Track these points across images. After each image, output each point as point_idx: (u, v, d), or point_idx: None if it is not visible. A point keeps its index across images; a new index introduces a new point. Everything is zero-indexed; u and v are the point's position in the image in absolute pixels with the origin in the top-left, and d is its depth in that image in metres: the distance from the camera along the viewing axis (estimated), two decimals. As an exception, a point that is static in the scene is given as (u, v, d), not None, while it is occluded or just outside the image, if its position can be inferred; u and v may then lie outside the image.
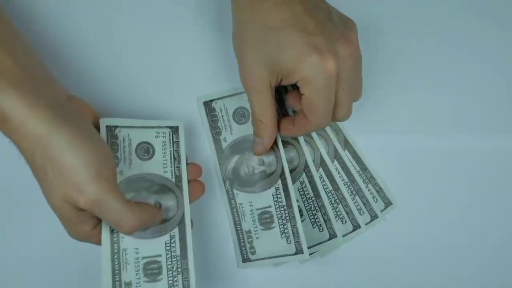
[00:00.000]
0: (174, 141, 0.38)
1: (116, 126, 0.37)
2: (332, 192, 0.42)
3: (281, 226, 0.40)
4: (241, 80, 0.36)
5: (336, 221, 0.42)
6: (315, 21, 0.33)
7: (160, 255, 0.35)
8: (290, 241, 0.39)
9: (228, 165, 0.41)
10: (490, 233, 0.44)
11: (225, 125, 0.41)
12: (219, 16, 0.43)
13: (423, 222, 0.43)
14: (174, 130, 0.38)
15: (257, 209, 0.41)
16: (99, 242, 0.34)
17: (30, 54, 0.34)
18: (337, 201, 0.42)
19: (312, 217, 0.41)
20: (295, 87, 0.36)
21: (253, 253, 0.40)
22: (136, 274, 0.35)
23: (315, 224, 0.41)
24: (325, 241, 0.41)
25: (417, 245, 0.43)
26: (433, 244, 0.43)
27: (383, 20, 0.45)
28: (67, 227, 0.33)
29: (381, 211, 0.43)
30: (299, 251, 0.39)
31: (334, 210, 0.42)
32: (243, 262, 0.40)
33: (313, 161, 0.42)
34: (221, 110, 0.41)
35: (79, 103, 0.35)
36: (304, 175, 0.42)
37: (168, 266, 0.35)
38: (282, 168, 0.40)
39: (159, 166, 0.37)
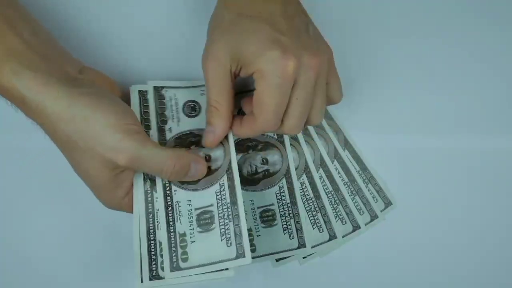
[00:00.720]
0: None
1: (163, 87, 0.39)
2: (332, 192, 0.42)
3: (283, 223, 0.40)
4: (202, 61, 0.34)
5: (336, 221, 0.42)
6: (290, 25, 0.33)
7: (211, 205, 0.36)
8: (293, 236, 0.40)
9: None
10: (490, 233, 0.44)
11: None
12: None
13: (423, 222, 0.44)
14: None
15: (259, 207, 0.41)
16: (130, 209, 0.35)
17: (38, 30, 0.34)
18: (337, 201, 0.42)
19: (312, 218, 0.41)
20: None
21: (253, 250, 0.40)
22: (190, 225, 0.35)
23: (315, 225, 0.41)
24: (325, 242, 0.41)
25: (417, 245, 0.43)
26: (433, 244, 0.43)
27: (383, 19, 0.45)
28: (103, 195, 0.34)
29: (381, 211, 0.43)
30: (301, 245, 0.40)
31: (334, 211, 0.42)
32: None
33: (313, 161, 0.42)
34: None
35: (93, 73, 0.36)
36: (304, 175, 0.42)
37: (220, 214, 0.36)
38: (288, 167, 0.40)
39: (203, 121, 0.38)
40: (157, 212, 0.36)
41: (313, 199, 0.42)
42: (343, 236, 0.42)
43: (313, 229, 0.41)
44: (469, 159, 0.44)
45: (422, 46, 0.45)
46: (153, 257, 0.35)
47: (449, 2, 0.46)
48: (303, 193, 0.42)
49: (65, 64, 0.34)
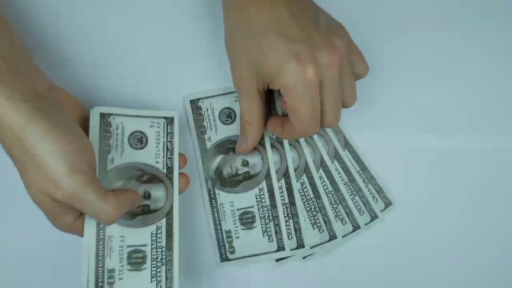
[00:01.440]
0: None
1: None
2: (332, 192, 0.42)
3: None
4: (233, 80, 0.37)
5: (336, 221, 0.42)
6: (299, 27, 0.33)
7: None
8: (291, 236, 0.40)
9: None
10: (490, 233, 0.44)
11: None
12: (213, 14, 0.43)
13: (423, 222, 0.44)
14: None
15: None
16: (82, 233, 0.34)
17: (14, 43, 0.33)
18: (337, 201, 0.42)
19: (312, 218, 0.41)
20: None
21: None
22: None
23: (315, 225, 0.41)
24: (325, 242, 0.41)
25: (417, 245, 0.43)
26: (433, 244, 0.43)
27: (383, 20, 0.45)
28: (50, 219, 0.33)
29: (381, 211, 0.43)
30: (300, 246, 0.40)
31: (334, 211, 0.42)
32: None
33: (313, 161, 0.42)
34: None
35: (61, 94, 0.35)
36: (304, 176, 0.42)
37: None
38: (287, 167, 0.40)
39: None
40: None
41: (313, 199, 0.42)
42: (343, 236, 0.42)
43: (313, 229, 0.41)
44: (469, 159, 0.44)
45: (422, 46, 0.45)
46: (100, 284, 0.34)
47: (449, 2, 0.46)
48: (303, 193, 0.42)
49: (34, 80, 0.33)
